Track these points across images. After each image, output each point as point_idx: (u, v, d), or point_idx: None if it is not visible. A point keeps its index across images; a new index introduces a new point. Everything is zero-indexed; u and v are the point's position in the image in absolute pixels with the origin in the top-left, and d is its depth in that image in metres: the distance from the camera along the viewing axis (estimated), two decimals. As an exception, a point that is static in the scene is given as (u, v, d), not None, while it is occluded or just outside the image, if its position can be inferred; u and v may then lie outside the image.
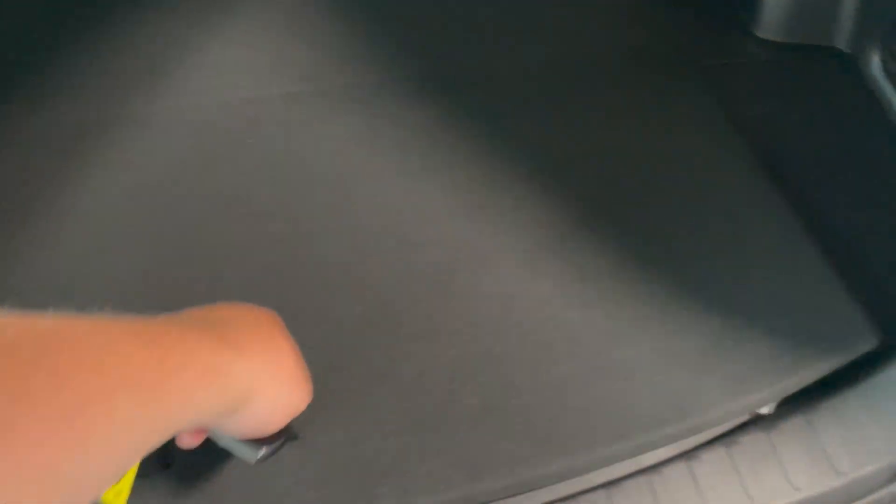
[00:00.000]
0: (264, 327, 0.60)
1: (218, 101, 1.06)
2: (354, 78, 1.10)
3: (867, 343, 0.83)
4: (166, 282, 0.86)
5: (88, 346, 0.40)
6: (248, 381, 0.52)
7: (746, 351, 0.82)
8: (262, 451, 0.62)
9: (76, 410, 0.36)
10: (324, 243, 0.90)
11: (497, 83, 1.11)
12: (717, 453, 0.77)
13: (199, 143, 1.01)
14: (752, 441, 0.78)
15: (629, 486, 0.75)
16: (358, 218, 0.93)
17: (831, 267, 0.89)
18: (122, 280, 0.86)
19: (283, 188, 0.96)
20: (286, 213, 0.94)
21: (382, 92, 1.09)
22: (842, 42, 1.18)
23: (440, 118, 1.05)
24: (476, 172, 0.99)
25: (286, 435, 0.65)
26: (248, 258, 0.89)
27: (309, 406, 0.76)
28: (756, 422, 0.80)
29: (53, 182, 0.96)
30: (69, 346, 0.39)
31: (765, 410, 0.81)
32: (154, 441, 0.42)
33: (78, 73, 1.09)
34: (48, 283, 0.85)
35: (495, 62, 1.14)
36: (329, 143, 1.02)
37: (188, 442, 0.62)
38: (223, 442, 0.63)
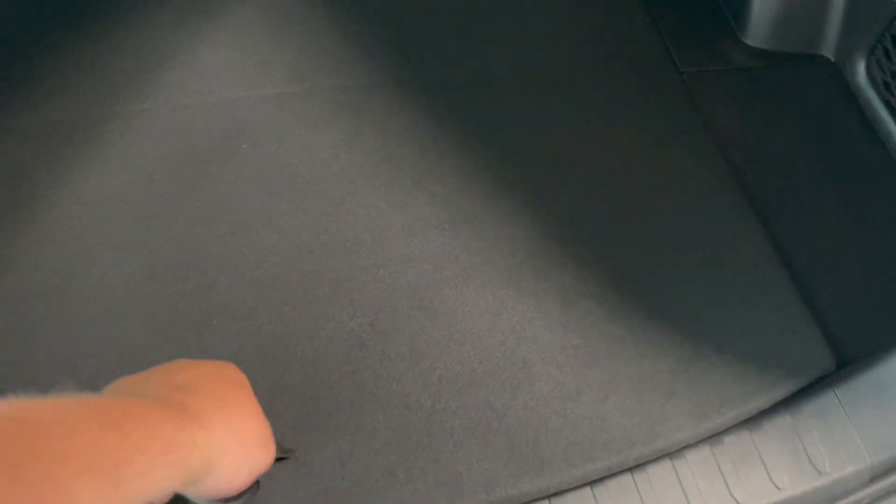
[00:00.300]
0: (228, 390, 0.60)
1: (208, 102, 1.07)
2: (344, 80, 1.11)
3: (824, 365, 0.88)
4: (158, 290, 0.89)
5: (50, 435, 0.40)
6: (211, 451, 0.53)
7: (714, 376, 0.87)
8: None
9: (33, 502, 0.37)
10: (315, 257, 0.93)
11: (483, 88, 1.12)
12: (702, 452, 0.82)
13: (190, 144, 1.02)
14: (736, 441, 0.83)
15: (613, 484, 0.80)
16: (348, 231, 0.95)
17: (794, 292, 0.93)
18: (111, 286, 0.89)
19: (274, 197, 0.98)
20: (277, 223, 0.96)
21: (371, 95, 1.09)
22: (828, 50, 1.19)
23: (427, 124, 1.06)
24: (462, 184, 1.01)
25: (253, 488, 0.66)
26: (241, 269, 0.92)
27: (302, 422, 0.81)
28: (741, 423, 0.85)
29: (39, 182, 0.97)
30: (31, 435, 0.39)
31: None
32: None
33: (67, 73, 1.08)
34: (37, 288, 0.88)
35: (481, 68, 1.15)
36: (318, 148, 1.03)
37: None
38: (193, 499, 0.65)
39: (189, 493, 0.60)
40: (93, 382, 0.79)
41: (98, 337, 0.85)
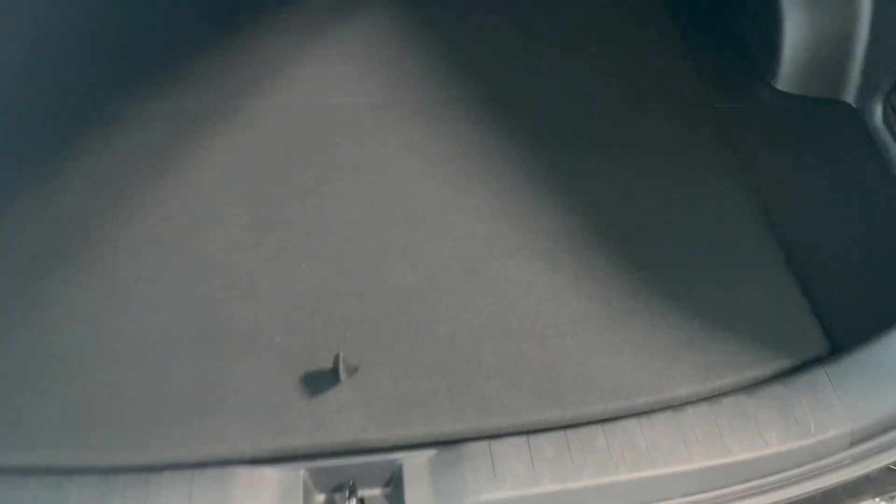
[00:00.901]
0: None
1: (313, 105, 1.32)
2: (422, 94, 1.35)
3: (818, 348, 1.01)
4: (259, 241, 1.11)
5: None
6: None
7: (717, 347, 1.01)
8: None
9: None
10: (388, 227, 1.14)
11: (536, 109, 1.34)
12: (702, 409, 0.95)
13: (295, 136, 1.27)
14: (733, 403, 0.96)
15: (621, 424, 0.93)
16: (416, 211, 1.16)
17: (795, 283, 1.08)
18: (225, 234, 1.12)
19: (359, 180, 1.21)
20: (359, 200, 1.17)
21: (444, 107, 1.33)
22: (849, 96, 1.34)
23: (488, 134, 1.29)
24: (515, 183, 1.21)
25: None
26: (327, 231, 1.14)
27: (365, 346, 0.99)
28: (738, 389, 0.98)
29: (177, 154, 1.23)
30: None
31: None
32: None
33: (203, 71, 1.37)
34: (173, 230, 1.12)
35: (535, 92, 1.37)
36: (397, 146, 1.26)
37: None
38: None
39: None
40: (211, 299, 1.02)
41: (216, 262, 1.09)
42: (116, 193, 1.18)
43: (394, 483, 0.91)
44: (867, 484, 0.97)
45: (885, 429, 0.94)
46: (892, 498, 1.00)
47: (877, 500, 0.99)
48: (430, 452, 0.91)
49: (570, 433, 0.93)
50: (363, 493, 0.91)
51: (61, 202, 1.17)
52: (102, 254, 1.10)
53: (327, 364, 0.96)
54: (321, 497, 0.91)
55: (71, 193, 1.18)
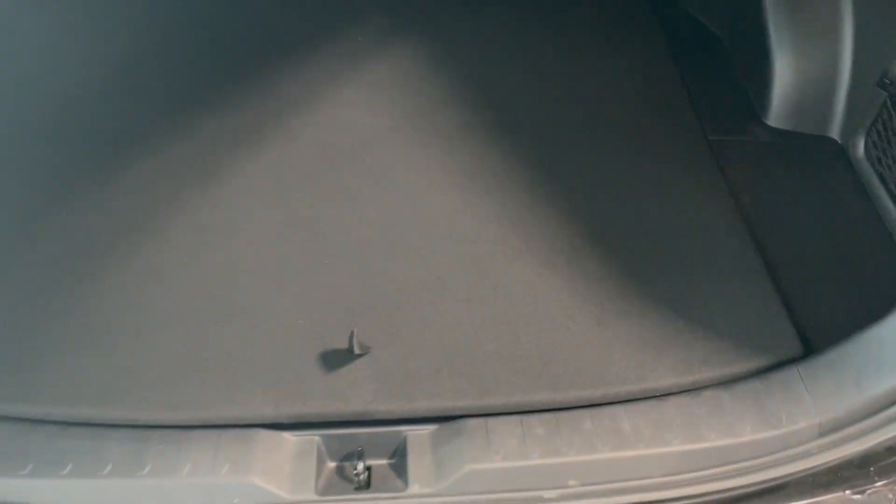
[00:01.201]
0: None
1: (345, 123, 1.48)
2: (441, 118, 1.49)
3: (792, 349, 1.10)
4: (291, 235, 1.25)
5: None
6: None
7: (698, 345, 1.11)
8: None
9: None
10: (402, 229, 1.27)
11: (541, 134, 1.47)
12: (682, 399, 1.04)
13: (328, 149, 1.42)
14: (711, 395, 1.05)
15: (607, 410, 1.02)
16: (428, 216, 1.29)
17: (773, 291, 1.18)
18: (263, 230, 1.26)
19: (380, 188, 1.35)
20: (378, 205, 1.31)
21: (462, 130, 1.46)
22: (835, 132, 1.46)
23: (499, 154, 1.42)
24: (519, 195, 1.34)
25: None
26: (347, 231, 1.27)
27: (378, 330, 1.11)
28: (716, 383, 1.07)
29: (228, 155, 1.40)
30: None
31: None
32: None
33: (246, 89, 1.55)
34: (215, 224, 1.27)
35: (542, 119, 1.50)
36: (417, 161, 1.40)
37: None
38: None
39: None
40: (244, 283, 1.20)
41: (250, 252, 1.24)
42: (167, 193, 1.33)
43: (398, 453, 1.01)
44: (838, 478, 1.05)
45: (852, 421, 1.02)
46: (863, 491, 1.07)
47: (847, 492, 1.07)
48: (432, 427, 1.02)
49: (560, 415, 1.03)
50: (371, 461, 1.01)
51: (119, 198, 1.33)
52: (151, 242, 1.25)
53: (343, 344, 1.07)
54: (332, 463, 1.01)
55: (128, 192, 1.34)
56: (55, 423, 1.00)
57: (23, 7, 1.76)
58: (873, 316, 1.08)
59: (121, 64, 1.61)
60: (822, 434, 1.02)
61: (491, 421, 1.01)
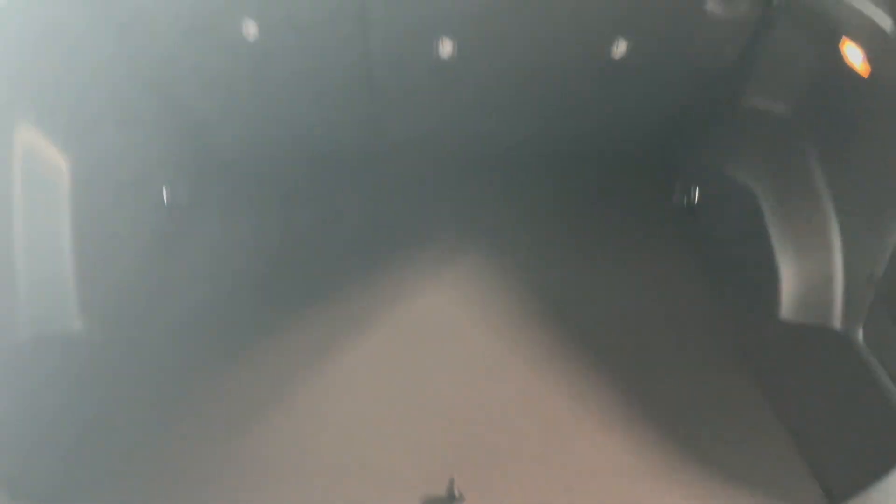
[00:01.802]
0: None
1: (430, 315, 1.85)
2: (513, 311, 1.83)
3: (814, 498, 1.31)
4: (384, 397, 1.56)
5: None
6: None
7: (707, 483, 1.33)
8: None
9: None
10: (487, 399, 1.57)
11: (582, 323, 1.81)
12: None
13: (413, 332, 1.81)
14: None
15: None
16: (508, 389, 1.59)
17: (796, 451, 1.41)
18: (359, 399, 1.57)
19: (471, 368, 1.70)
20: (469, 380, 1.66)
21: (529, 322, 1.81)
22: (836, 323, 1.74)
23: (561, 341, 1.74)
24: (581, 375, 1.63)
25: None
26: (444, 402, 1.57)
27: (470, 474, 1.36)
28: None
29: (326, 338, 1.79)
30: None
31: None
32: None
33: (352, 281, 1.98)
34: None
35: (580, 312, 1.86)
36: (494, 348, 1.73)
37: None
38: None
39: None
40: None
41: (365, 414, 1.51)
42: (288, 369, 1.67)
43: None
44: None
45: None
46: None
47: None
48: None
49: None
50: None
51: (252, 374, 1.69)
52: (276, 409, 1.56)
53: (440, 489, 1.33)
54: None
55: (257, 370, 1.68)
56: None
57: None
58: (882, 469, 1.30)
59: (266, 270, 2.04)
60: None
61: None
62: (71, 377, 1.59)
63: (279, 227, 2.18)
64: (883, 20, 1.54)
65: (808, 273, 1.79)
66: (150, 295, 1.89)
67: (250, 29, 1.97)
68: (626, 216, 2.22)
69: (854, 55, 1.64)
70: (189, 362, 1.70)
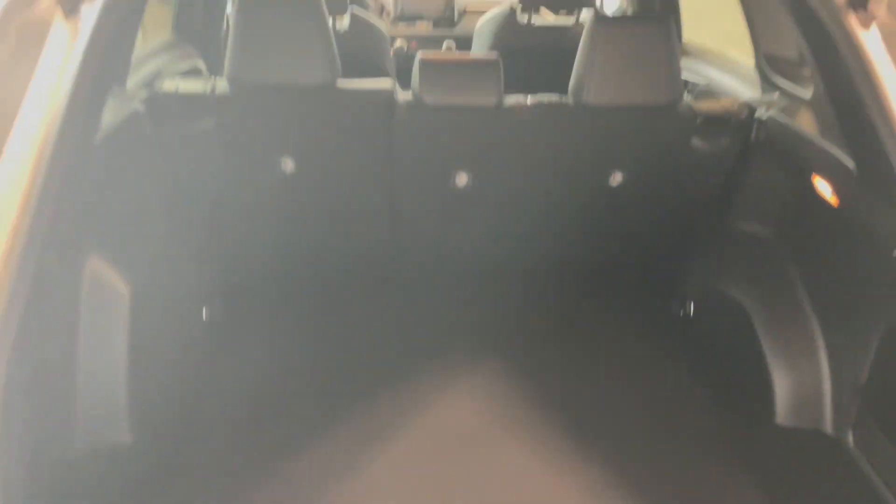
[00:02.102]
0: None
1: (449, 420, 2.00)
2: (531, 417, 1.98)
3: None
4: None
5: None
6: None
7: None
8: None
9: None
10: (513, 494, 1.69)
11: (593, 426, 1.98)
12: None
13: (423, 440, 1.93)
14: None
15: None
16: (534, 487, 1.71)
17: None
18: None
19: (494, 468, 1.79)
20: (492, 478, 1.75)
21: (545, 425, 1.96)
22: (828, 427, 1.90)
23: (577, 441, 1.90)
24: (594, 469, 1.79)
25: None
26: (472, 496, 1.68)
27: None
28: None
29: (353, 442, 1.90)
30: None
31: None
32: None
33: (378, 392, 2.11)
34: None
35: (587, 416, 2.03)
36: (518, 454, 1.87)
37: None
38: None
39: None
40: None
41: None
42: (326, 470, 1.85)
43: None
44: None
45: None
46: None
47: None
48: None
49: None
50: None
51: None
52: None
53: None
54: None
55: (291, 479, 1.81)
56: None
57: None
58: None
59: (293, 383, 2.18)
60: None
61: None
62: (119, 487, 1.71)
63: (305, 342, 2.35)
64: (847, 160, 1.78)
65: (798, 379, 1.96)
66: (189, 408, 2.03)
67: (288, 165, 2.21)
68: (630, 327, 2.43)
69: (824, 188, 1.88)
70: (222, 475, 1.82)
